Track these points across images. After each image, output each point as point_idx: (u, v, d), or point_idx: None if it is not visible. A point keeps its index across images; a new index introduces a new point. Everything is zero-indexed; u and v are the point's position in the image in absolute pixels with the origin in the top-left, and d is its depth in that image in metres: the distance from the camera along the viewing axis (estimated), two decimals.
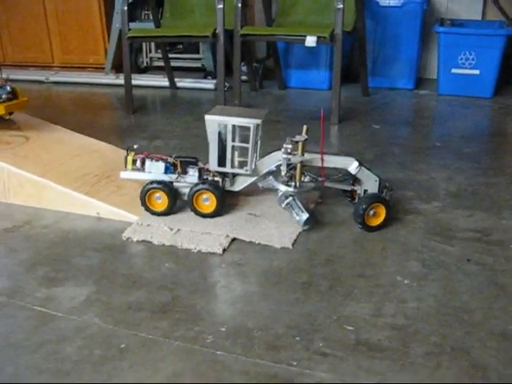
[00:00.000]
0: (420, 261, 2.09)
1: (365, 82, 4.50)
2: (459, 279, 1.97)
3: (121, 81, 4.71)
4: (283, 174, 2.33)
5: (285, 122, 3.87)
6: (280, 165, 2.33)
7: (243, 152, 2.40)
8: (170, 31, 4.20)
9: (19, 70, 5.43)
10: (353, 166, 2.30)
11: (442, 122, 3.91)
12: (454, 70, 4.45)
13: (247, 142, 2.34)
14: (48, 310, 1.84)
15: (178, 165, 2.40)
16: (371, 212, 2.27)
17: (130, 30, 4.04)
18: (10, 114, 3.03)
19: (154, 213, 2.40)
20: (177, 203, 2.43)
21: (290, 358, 1.58)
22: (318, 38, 3.63)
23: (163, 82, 4.95)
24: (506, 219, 2.40)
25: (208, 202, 2.36)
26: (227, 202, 2.42)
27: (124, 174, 2.47)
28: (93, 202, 2.48)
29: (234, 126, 2.32)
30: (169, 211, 2.40)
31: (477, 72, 4.40)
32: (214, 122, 2.32)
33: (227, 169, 2.38)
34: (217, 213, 2.37)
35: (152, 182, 2.38)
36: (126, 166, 2.46)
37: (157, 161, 2.42)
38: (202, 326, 1.73)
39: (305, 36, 3.65)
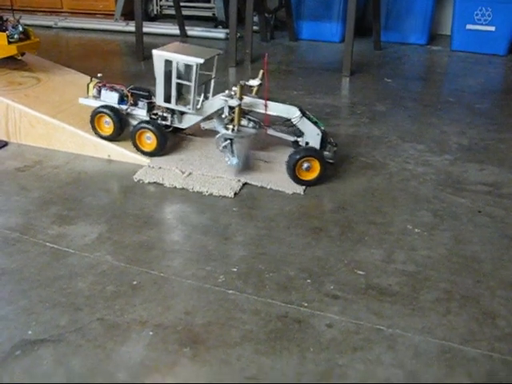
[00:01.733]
0: (431, 211, 2.09)
1: (377, 35, 4.44)
2: (470, 230, 1.98)
3: (130, 28, 4.67)
4: (223, 116, 2.31)
5: (295, 73, 3.84)
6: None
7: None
8: None
9: (27, 14, 5.36)
10: (294, 115, 2.24)
11: (455, 78, 3.87)
12: (468, 26, 4.40)
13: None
14: (60, 247, 1.85)
15: (129, 96, 2.45)
16: (305, 165, 2.21)
17: None
18: (22, 54, 3.00)
19: (100, 136, 2.49)
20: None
21: (301, 299, 1.60)
22: None
23: (173, 30, 4.89)
24: None
25: (150, 141, 2.40)
26: None
27: (82, 100, 2.55)
28: (104, 144, 2.47)
29: (178, 63, 2.33)
30: (115, 136, 2.47)
31: (492, 28, 4.34)
32: (161, 58, 2.33)
33: (172, 105, 2.39)
34: (156, 152, 2.41)
35: (103, 107, 2.46)
36: (87, 93, 2.55)
37: (111, 90, 2.49)
38: (213, 266, 1.74)
39: None
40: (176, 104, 2.38)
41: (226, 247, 1.85)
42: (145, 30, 4.51)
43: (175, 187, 2.22)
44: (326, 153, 2.26)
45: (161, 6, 5.52)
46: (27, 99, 2.64)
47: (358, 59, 4.11)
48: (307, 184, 2.22)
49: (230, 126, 2.26)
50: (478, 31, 4.37)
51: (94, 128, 2.48)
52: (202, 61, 2.28)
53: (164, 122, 2.43)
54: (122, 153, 2.44)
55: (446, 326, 1.52)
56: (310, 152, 2.22)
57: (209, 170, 2.30)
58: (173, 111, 2.42)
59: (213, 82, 2.46)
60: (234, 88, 2.25)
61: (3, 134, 2.64)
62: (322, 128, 2.27)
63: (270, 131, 2.32)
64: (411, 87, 3.61)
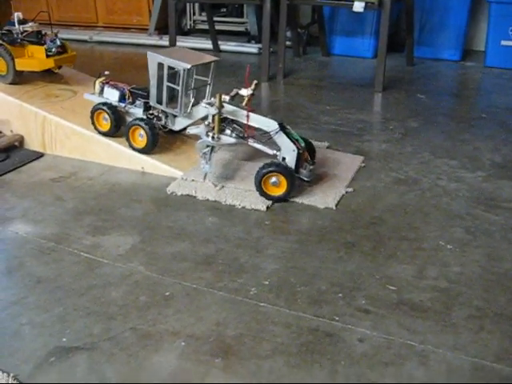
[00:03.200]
0: (463, 227, 2.07)
1: (410, 51, 4.43)
2: (503, 247, 1.96)
3: (164, 42, 4.72)
4: (207, 123, 2.31)
5: (328, 88, 3.85)
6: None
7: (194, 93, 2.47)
8: None
9: (64, 28, 5.45)
10: (271, 129, 2.22)
11: (488, 95, 3.84)
12: (503, 42, 4.36)
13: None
14: (94, 257, 1.88)
15: (128, 95, 2.53)
16: (272, 180, 2.19)
17: None
18: (59, 67, 3.06)
19: (99, 131, 2.58)
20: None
21: (333, 313, 1.60)
22: (366, 3, 3.58)
23: (207, 44, 4.93)
24: None
25: (142, 138, 2.46)
26: None
27: (86, 96, 2.67)
28: (138, 157, 2.51)
29: (170, 67, 2.37)
30: (112, 133, 2.56)
31: None
32: (154, 59, 2.39)
33: (162, 107, 2.44)
34: (147, 150, 2.48)
35: (102, 104, 2.55)
36: (94, 89, 2.65)
37: (113, 88, 2.58)
38: (245, 279, 1.75)
39: (353, 1, 3.60)
40: (166, 106, 2.44)
41: (258, 260, 1.86)
42: (178, 44, 4.56)
43: (208, 200, 2.24)
44: (301, 170, 2.24)
45: (194, 21, 5.57)
46: (63, 111, 2.70)
47: (391, 75, 4.10)
48: (274, 199, 2.21)
49: (211, 134, 2.28)
50: None
51: (93, 123, 2.58)
52: (188, 66, 2.32)
53: (159, 122, 2.50)
54: (155, 165, 2.47)
55: (479, 343, 1.51)
56: (277, 167, 2.19)
57: (241, 183, 2.32)
58: (166, 113, 2.49)
59: (209, 87, 2.49)
60: (226, 96, 2.28)
61: (39, 145, 2.70)
62: (303, 145, 2.24)
63: (251, 142, 2.32)
64: (444, 103, 3.59)
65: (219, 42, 4.89)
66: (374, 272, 1.80)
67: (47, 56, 2.86)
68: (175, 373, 1.40)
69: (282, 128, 2.23)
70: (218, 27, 5.12)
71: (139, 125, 2.44)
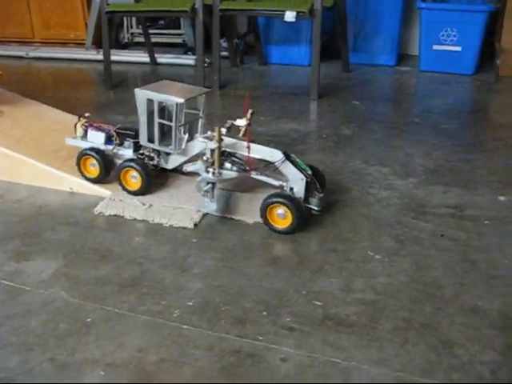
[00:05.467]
0: (393, 236, 2.08)
1: (345, 57, 4.46)
2: (432, 255, 1.97)
3: (101, 56, 4.64)
4: (205, 159, 2.21)
5: (263, 98, 3.84)
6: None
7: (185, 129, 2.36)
8: (148, 6, 4.13)
9: (0, 45, 5.35)
10: (276, 159, 2.12)
11: (422, 99, 3.89)
12: (435, 47, 4.43)
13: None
14: (16, 284, 1.82)
15: (116, 136, 2.41)
16: (279, 211, 2.09)
17: (108, 4, 3.98)
18: None
19: (87, 178, 2.43)
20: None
21: (256, 333, 1.57)
22: (298, 13, 3.59)
23: (144, 57, 4.88)
24: (481, 195, 2.40)
25: (135, 180, 2.34)
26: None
27: (69, 141, 2.51)
28: (66, 177, 2.45)
29: (160, 103, 2.27)
30: (101, 179, 2.42)
31: (458, 49, 4.38)
32: (143, 96, 2.28)
33: (154, 145, 2.34)
34: (142, 191, 2.34)
35: (88, 149, 2.41)
36: (75, 133, 2.50)
37: (97, 131, 2.44)
38: (169, 300, 1.71)
39: (284, 11, 3.61)
40: (159, 144, 2.32)
41: (183, 280, 1.82)
42: (115, 58, 4.52)
43: (135, 219, 2.20)
44: (311, 199, 2.14)
45: (132, 34, 5.51)
46: None
47: (327, 82, 4.12)
48: (280, 232, 2.10)
49: (211, 170, 2.17)
50: (445, 51, 4.40)
51: (80, 170, 2.43)
52: (182, 100, 2.21)
53: (151, 162, 2.37)
54: (84, 185, 2.42)
55: (404, 356, 1.50)
56: (284, 199, 2.08)
57: (169, 201, 2.28)
58: (159, 151, 2.37)
59: (201, 121, 2.36)
60: (223, 129, 2.16)
61: None
62: (309, 173, 2.14)
63: (254, 175, 2.21)
64: (378, 109, 3.62)
65: (156, 55, 4.84)
66: (301, 287, 1.78)
67: None
68: None
69: (287, 157, 2.12)
70: (155, 40, 5.08)
71: (131, 166, 2.31)
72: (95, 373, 1.45)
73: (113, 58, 4.31)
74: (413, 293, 1.76)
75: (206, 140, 2.20)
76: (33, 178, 2.50)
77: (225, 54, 4.65)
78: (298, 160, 2.18)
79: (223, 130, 2.15)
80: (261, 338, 1.55)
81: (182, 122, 2.30)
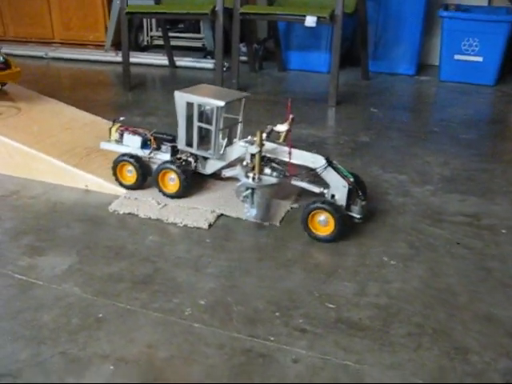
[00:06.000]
0: (408, 242, 2.06)
1: (365, 65, 4.45)
2: (447, 262, 1.94)
3: (120, 58, 4.67)
4: (245, 164, 2.19)
5: (282, 103, 3.81)
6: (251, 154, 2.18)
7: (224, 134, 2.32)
8: (168, 8, 4.14)
9: (19, 45, 5.39)
10: (319, 165, 2.08)
11: (442, 109, 3.86)
12: (456, 57, 4.40)
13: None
14: (29, 279, 1.82)
15: (153, 140, 2.37)
16: (321, 218, 2.04)
17: (128, 5, 4.00)
18: (3, 84, 3.00)
19: (123, 185, 2.39)
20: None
21: (268, 333, 1.56)
22: (318, 18, 3.58)
23: (162, 60, 4.90)
24: (498, 205, 2.37)
25: (173, 182, 2.30)
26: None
27: (104, 145, 2.47)
28: (81, 175, 2.45)
29: (200, 106, 2.24)
30: (138, 186, 2.37)
31: (480, 59, 4.34)
32: (182, 99, 2.26)
33: (193, 150, 2.30)
34: (179, 194, 2.30)
35: (124, 155, 2.35)
36: (109, 137, 2.46)
37: (134, 135, 2.40)
38: (181, 299, 1.71)
39: (304, 16, 3.60)
40: (198, 149, 2.29)
41: (195, 279, 1.81)
42: (134, 60, 4.54)
43: (150, 218, 2.19)
44: (353, 207, 2.09)
45: (151, 37, 5.54)
46: (6, 129, 2.63)
47: (345, 89, 4.11)
48: (321, 240, 2.05)
49: (251, 175, 2.14)
50: (466, 61, 4.37)
51: (116, 177, 2.38)
52: (222, 104, 2.17)
53: (188, 168, 2.33)
54: (99, 183, 2.42)
55: (416, 361, 1.48)
56: (327, 205, 2.03)
57: (184, 201, 2.28)
58: (196, 156, 2.34)
59: (240, 126, 2.34)
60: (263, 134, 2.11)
61: None
62: (352, 180, 2.10)
63: (294, 181, 2.19)
64: (397, 117, 3.59)
65: (175, 58, 4.86)
66: (314, 290, 1.76)
67: None
68: None
69: (330, 163, 2.08)
70: (175, 43, 5.10)
71: (170, 168, 2.26)
72: (105, 367, 1.44)
73: (132, 60, 4.33)
74: (427, 299, 1.74)
75: (247, 144, 2.17)
76: (48, 175, 2.51)
77: (244, 58, 4.65)
78: (340, 166, 2.13)
79: (264, 135, 2.11)
80: (272, 339, 1.54)
81: (222, 126, 2.26)
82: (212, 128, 2.22)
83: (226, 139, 2.32)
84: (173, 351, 1.49)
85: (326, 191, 2.13)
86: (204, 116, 2.30)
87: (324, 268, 1.89)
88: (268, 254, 1.96)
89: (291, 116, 2.17)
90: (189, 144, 2.30)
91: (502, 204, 2.38)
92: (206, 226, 2.12)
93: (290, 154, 2.11)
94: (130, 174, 2.37)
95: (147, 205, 2.26)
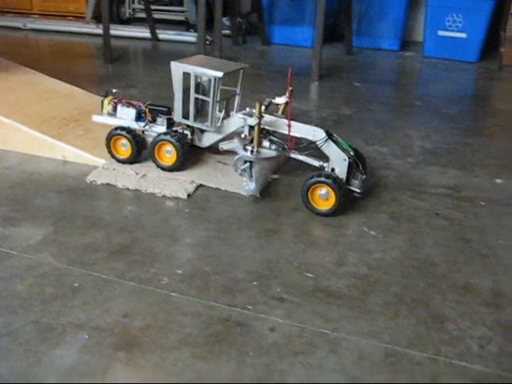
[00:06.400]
0: (389, 214, 2.05)
1: (349, 40, 4.42)
2: (426, 233, 1.94)
3: (101, 30, 4.60)
4: (243, 136, 2.13)
5: (265, 77, 3.81)
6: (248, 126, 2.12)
7: (220, 106, 2.25)
8: None
9: None
10: (319, 138, 2.03)
11: (425, 83, 3.86)
12: (440, 33, 4.39)
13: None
14: (2, 249, 1.78)
15: (148, 113, 2.30)
16: (323, 191, 1.99)
17: None
18: None
19: (117, 159, 2.32)
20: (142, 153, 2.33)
21: (246, 302, 1.54)
22: None
23: (145, 33, 4.85)
24: (478, 177, 2.37)
25: (169, 155, 2.24)
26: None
27: (96, 118, 2.38)
28: (59, 145, 2.41)
29: (196, 77, 2.17)
30: (133, 159, 2.31)
31: (463, 35, 4.34)
32: (179, 69, 2.18)
33: (190, 122, 2.24)
34: (176, 167, 2.25)
35: (118, 128, 2.28)
36: (101, 110, 2.37)
37: (128, 107, 2.33)
38: (158, 268, 1.68)
39: None
40: (194, 121, 2.23)
41: (173, 249, 1.79)
42: (115, 32, 4.48)
43: (128, 188, 2.16)
44: (353, 181, 2.06)
45: (134, 9, 5.47)
46: None
47: (329, 64, 4.08)
48: (321, 214, 2.01)
49: (249, 148, 2.07)
50: (450, 38, 4.36)
51: (109, 151, 2.31)
52: (220, 74, 2.11)
53: (185, 140, 2.27)
54: (77, 154, 2.38)
55: (394, 329, 1.47)
56: (327, 179, 1.98)
57: (164, 172, 2.24)
58: (193, 128, 2.28)
59: (237, 98, 2.29)
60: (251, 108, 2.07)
61: None
62: (352, 153, 2.06)
63: (293, 154, 2.13)
64: (379, 91, 3.58)
65: (157, 31, 4.80)
66: (293, 259, 1.75)
67: None
68: (73, 367, 1.33)
69: (330, 136, 2.03)
70: (157, 16, 5.06)
71: (167, 140, 2.20)
72: (79, 336, 1.42)
73: (113, 32, 4.28)
74: (406, 269, 1.73)
75: (246, 117, 2.10)
76: (25, 146, 2.47)
77: (227, 32, 4.61)
78: (340, 140, 2.08)
79: (262, 107, 2.04)
80: (250, 308, 1.52)
81: (219, 98, 2.19)
82: (209, 100, 2.16)
83: (222, 112, 2.25)
84: (148, 320, 1.47)
85: (325, 165, 2.08)
86: (201, 87, 2.23)
87: (304, 238, 1.87)
88: (247, 225, 1.94)
89: (290, 88, 2.10)
90: (185, 116, 2.23)
91: (482, 176, 2.38)
92: (184, 196, 2.10)
93: (289, 126, 2.05)
94: (124, 148, 2.30)
95: (126, 175, 2.23)
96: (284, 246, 1.82)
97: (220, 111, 2.25)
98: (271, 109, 2.13)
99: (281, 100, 2.12)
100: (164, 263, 1.71)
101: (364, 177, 2.07)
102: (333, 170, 2.04)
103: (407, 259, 1.78)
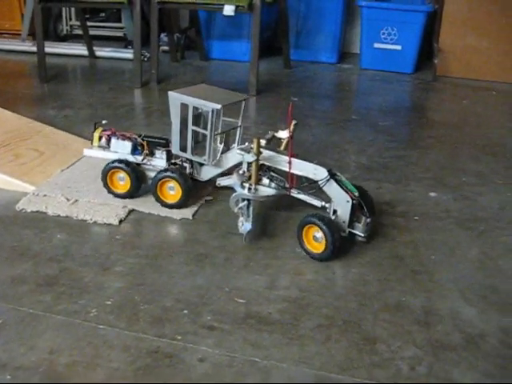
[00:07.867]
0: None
1: (287, 54, 4.45)
2: (360, 251, 1.95)
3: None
4: (241, 172, 2.05)
5: None
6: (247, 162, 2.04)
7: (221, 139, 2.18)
8: None
9: None
10: (320, 177, 1.93)
11: (362, 96, 3.90)
12: (376, 45, 4.45)
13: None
14: None
15: (145, 145, 2.19)
16: (318, 235, 1.89)
17: None
18: None
19: (115, 194, 2.21)
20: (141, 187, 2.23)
21: (175, 332, 1.52)
22: (237, 7, 3.55)
23: (82, 50, 4.78)
24: (412, 191, 2.40)
25: (173, 192, 2.14)
26: None
27: (88, 152, 2.28)
28: None
29: (195, 109, 2.08)
30: (131, 194, 2.20)
31: (398, 47, 4.41)
32: (176, 100, 2.09)
33: (187, 155, 2.15)
34: (181, 204, 2.14)
35: (115, 161, 2.16)
36: (92, 143, 2.27)
37: (123, 139, 2.22)
38: (86, 300, 1.65)
39: (223, 5, 3.57)
40: (192, 154, 2.14)
41: (103, 278, 1.75)
42: (52, 50, 4.42)
43: (59, 215, 2.12)
44: (356, 224, 1.95)
45: (71, 26, 5.39)
46: None
47: (267, 78, 4.09)
48: (315, 258, 1.89)
49: (247, 185, 1.99)
50: (386, 50, 4.43)
51: (106, 186, 2.21)
52: (218, 106, 2.01)
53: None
54: (6, 180, 2.32)
55: (325, 354, 1.47)
56: (320, 221, 1.86)
57: (95, 197, 2.21)
58: (192, 161, 2.19)
59: (239, 130, 2.21)
60: (262, 141, 1.98)
61: None
62: (356, 194, 1.93)
63: (294, 193, 2.03)
64: (317, 106, 3.60)
65: (95, 48, 4.74)
66: (224, 285, 1.73)
67: None
68: None
69: (332, 175, 1.94)
70: (95, 32, 5.00)
71: (171, 177, 2.11)
72: (1, 377, 1.37)
73: (50, 50, 4.21)
74: (338, 289, 1.74)
75: (243, 152, 2.02)
76: None
77: (166, 48, 4.58)
78: (344, 179, 1.98)
79: (262, 142, 1.96)
80: (179, 338, 1.50)
81: (219, 130, 2.12)
82: (207, 132, 2.07)
83: (222, 145, 2.17)
84: (75, 356, 1.44)
85: (327, 205, 1.99)
86: (202, 119, 2.17)
87: (235, 262, 1.86)
88: (179, 249, 1.92)
89: (294, 122, 2.03)
90: (183, 149, 2.15)
91: (416, 190, 2.41)
92: (116, 222, 2.06)
93: (290, 163, 1.96)
94: (122, 182, 2.19)
95: (56, 202, 2.18)
96: (215, 272, 1.81)
97: (220, 143, 2.18)
98: (274, 143, 2.06)
99: (284, 134, 2.03)
100: (93, 294, 1.68)
101: (369, 220, 1.95)
102: (335, 211, 1.94)
103: (340, 279, 1.79)
